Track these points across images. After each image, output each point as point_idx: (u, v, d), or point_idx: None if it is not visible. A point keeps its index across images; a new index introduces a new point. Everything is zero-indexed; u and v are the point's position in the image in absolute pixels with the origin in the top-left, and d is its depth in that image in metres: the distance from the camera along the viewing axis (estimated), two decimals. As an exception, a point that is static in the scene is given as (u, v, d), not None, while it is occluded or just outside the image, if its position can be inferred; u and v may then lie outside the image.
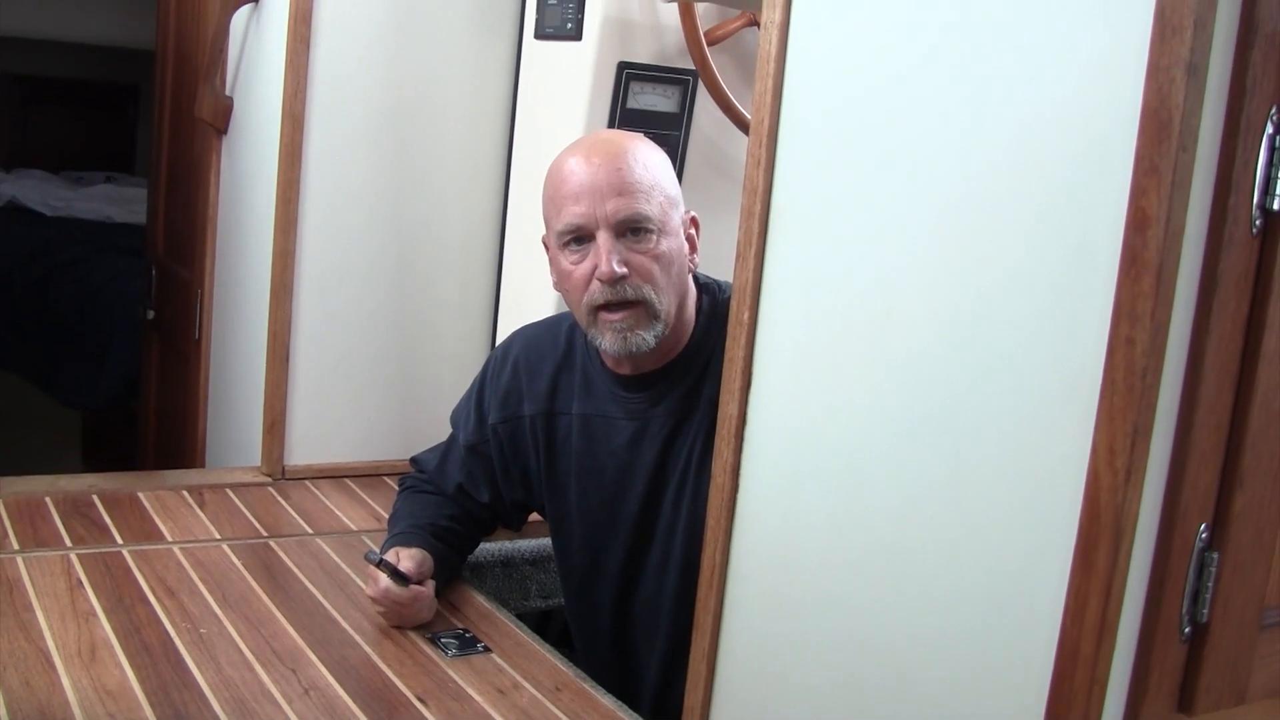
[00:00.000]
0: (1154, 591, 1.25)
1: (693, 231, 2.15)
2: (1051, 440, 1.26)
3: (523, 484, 2.35)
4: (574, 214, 2.05)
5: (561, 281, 2.13)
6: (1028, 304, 1.29)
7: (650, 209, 2.04)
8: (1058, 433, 1.26)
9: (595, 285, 2.05)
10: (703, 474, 1.91)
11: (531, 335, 2.38)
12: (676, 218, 2.10)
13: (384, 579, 2.13)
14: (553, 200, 2.09)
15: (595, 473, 2.25)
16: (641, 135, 2.17)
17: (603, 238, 2.04)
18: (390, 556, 2.15)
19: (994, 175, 1.33)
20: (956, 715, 1.39)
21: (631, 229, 2.04)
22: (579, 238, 2.07)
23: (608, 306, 2.06)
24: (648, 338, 2.07)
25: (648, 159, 2.08)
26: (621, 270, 2.03)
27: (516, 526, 2.46)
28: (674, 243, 2.08)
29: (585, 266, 2.06)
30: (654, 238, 2.05)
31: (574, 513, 2.28)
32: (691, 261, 2.15)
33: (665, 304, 2.07)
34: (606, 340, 2.09)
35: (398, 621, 2.17)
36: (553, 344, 2.29)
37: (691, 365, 2.16)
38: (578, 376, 2.26)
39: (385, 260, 3.04)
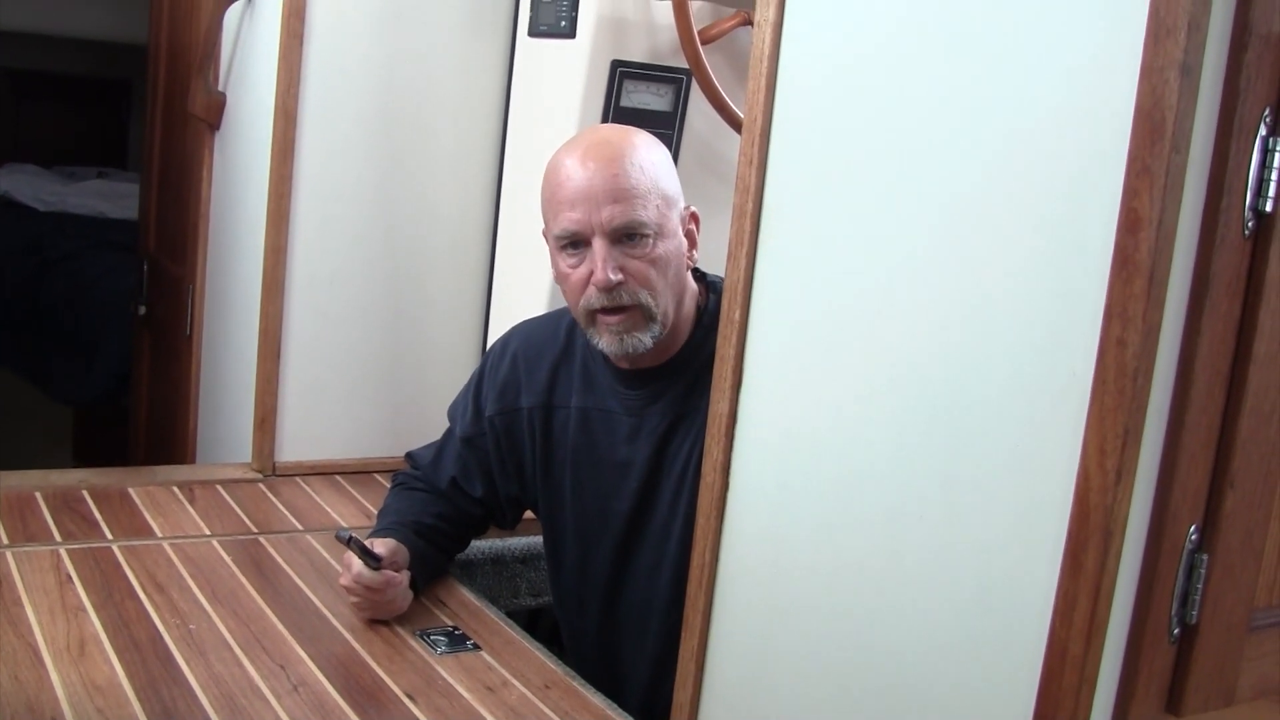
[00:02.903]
0: (1143, 593, 1.25)
1: (692, 227, 2.15)
2: (1042, 440, 1.26)
3: (517, 478, 2.35)
4: (570, 220, 2.05)
5: (560, 282, 2.13)
6: (1020, 304, 1.29)
7: (646, 214, 2.04)
8: (1049, 433, 1.26)
9: (591, 290, 2.06)
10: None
11: (531, 329, 2.38)
12: (674, 217, 2.09)
13: (356, 564, 2.13)
14: (550, 202, 2.09)
15: (591, 466, 2.25)
16: (640, 131, 2.15)
17: (598, 245, 2.04)
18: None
19: (987, 176, 1.33)
20: (945, 715, 1.39)
21: (627, 235, 2.04)
22: (575, 242, 2.07)
23: (604, 310, 2.07)
24: (644, 339, 2.08)
25: (645, 159, 2.07)
26: (617, 278, 2.03)
27: (510, 524, 2.45)
28: (671, 244, 2.08)
29: (582, 271, 2.06)
30: (650, 242, 2.05)
31: (567, 507, 2.28)
32: (690, 258, 2.15)
33: (662, 306, 2.08)
34: (604, 342, 2.10)
35: (371, 612, 2.17)
36: (552, 338, 2.29)
37: (691, 363, 2.16)
38: (577, 371, 2.26)
39: (378, 257, 3.04)
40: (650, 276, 2.05)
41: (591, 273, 2.04)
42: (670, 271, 2.08)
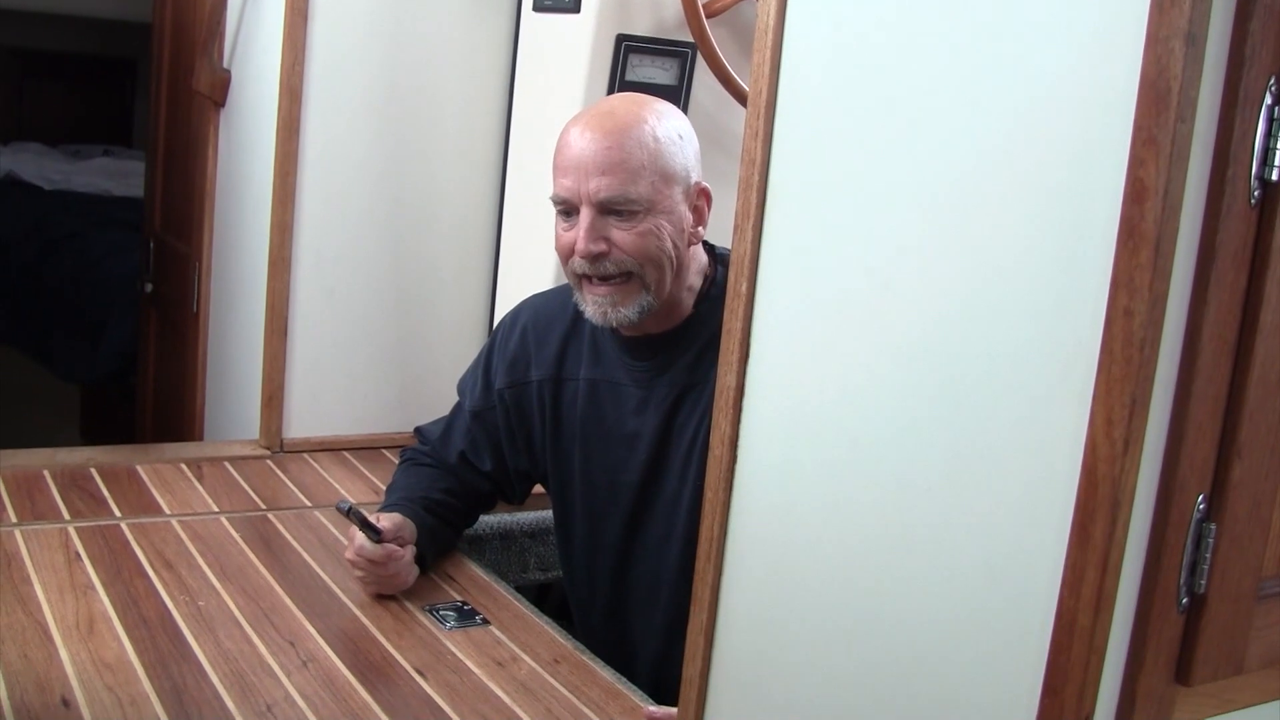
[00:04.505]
0: (1151, 563, 1.25)
1: (701, 204, 2.15)
2: (1049, 411, 1.26)
3: (526, 451, 2.36)
4: (562, 186, 2.09)
5: (555, 242, 2.14)
6: (1026, 275, 1.29)
7: (636, 190, 2.05)
8: (1056, 404, 1.25)
9: (576, 256, 2.08)
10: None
11: (540, 303, 2.39)
12: (674, 194, 2.09)
13: (359, 537, 2.13)
14: (553, 165, 2.12)
15: (600, 439, 2.25)
16: (658, 103, 2.16)
17: (584, 215, 2.06)
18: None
19: (993, 147, 1.32)
20: (954, 688, 1.39)
21: (614, 208, 2.05)
22: (567, 209, 2.10)
23: (592, 279, 2.09)
24: (629, 313, 2.10)
25: (650, 134, 2.07)
26: (597, 249, 2.06)
27: (518, 499, 2.46)
28: (664, 220, 2.08)
29: (570, 236, 2.09)
30: (639, 217, 2.06)
31: (576, 480, 2.29)
32: (694, 235, 2.15)
33: (652, 278, 2.08)
34: (588, 310, 2.13)
35: (376, 585, 2.18)
36: (561, 311, 2.30)
37: (699, 333, 2.16)
38: (586, 343, 2.27)
39: (383, 233, 3.04)
40: (636, 248, 2.07)
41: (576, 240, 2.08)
42: (663, 246, 2.08)
